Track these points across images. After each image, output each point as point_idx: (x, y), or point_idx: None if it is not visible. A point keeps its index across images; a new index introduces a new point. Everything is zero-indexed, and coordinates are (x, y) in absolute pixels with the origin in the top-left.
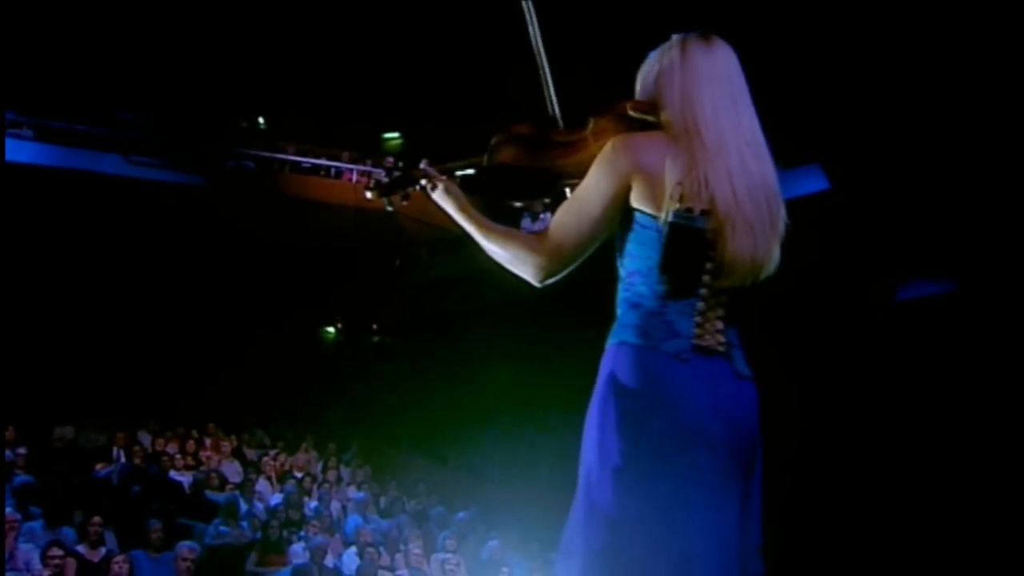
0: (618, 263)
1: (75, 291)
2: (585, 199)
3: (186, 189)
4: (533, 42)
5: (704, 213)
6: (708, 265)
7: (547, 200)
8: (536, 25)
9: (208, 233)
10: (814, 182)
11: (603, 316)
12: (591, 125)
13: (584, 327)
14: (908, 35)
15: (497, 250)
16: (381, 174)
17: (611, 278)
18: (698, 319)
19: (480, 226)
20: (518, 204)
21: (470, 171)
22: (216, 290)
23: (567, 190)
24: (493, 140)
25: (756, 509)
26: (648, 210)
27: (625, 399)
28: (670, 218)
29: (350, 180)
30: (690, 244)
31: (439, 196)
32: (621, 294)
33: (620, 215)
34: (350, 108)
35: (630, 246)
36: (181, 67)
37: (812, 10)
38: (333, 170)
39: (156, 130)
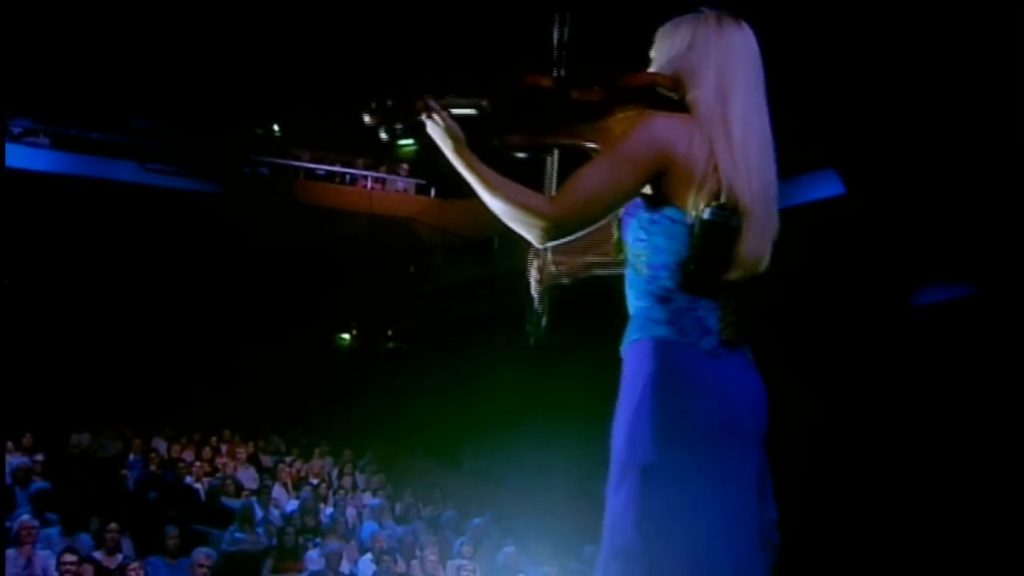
0: (632, 252)
1: (91, 298)
2: (611, 174)
3: (201, 196)
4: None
5: (732, 209)
6: (730, 261)
7: (547, 156)
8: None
9: (223, 240)
10: (830, 187)
11: (616, 323)
12: (615, 93)
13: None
14: (924, 40)
15: (499, 203)
16: (381, 100)
17: (622, 283)
18: (722, 313)
19: (482, 174)
20: (520, 155)
21: (472, 111)
22: (231, 297)
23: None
24: (504, 85)
25: (770, 486)
26: (677, 203)
27: (667, 397)
28: (706, 215)
29: (364, 187)
30: (723, 242)
31: (438, 134)
32: (642, 285)
33: (640, 208)
34: (364, 115)
35: (658, 239)
36: (195, 74)
37: (827, 14)
38: (348, 177)
39: (171, 137)
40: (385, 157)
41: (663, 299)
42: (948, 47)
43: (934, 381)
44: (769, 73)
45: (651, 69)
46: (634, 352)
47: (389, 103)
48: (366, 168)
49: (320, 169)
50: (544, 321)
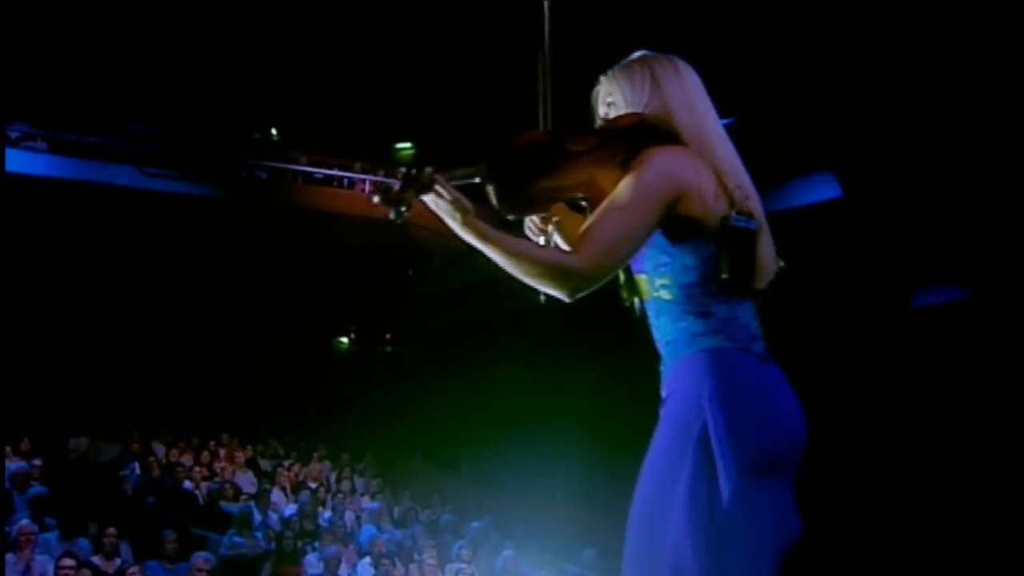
0: (658, 282)
1: (89, 302)
2: (631, 214)
3: (199, 200)
4: (542, 48)
5: (749, 215)
6: (755, 268)
7: (553, 216)
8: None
9: (221, 244)
10: (827, 190)
11: (617, 327)
12: (608, 136)
13: (598, 338)
14: (920, 42)
15: (524, 267)
16: (392, 182)
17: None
18: (759, 319)
19: (498, 242)
20: (512, 218)
21: (474, 180)
22: (229, 301)
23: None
24: (499, 148)
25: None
26: (697, 219)
27: (737, 407)
28: (731, 222)
29: (362, 191)
30: (748, 246)
31: (445, 210)
32: (675, 309)
33: (658, 235)
34: (362, 119)
35: (684, 258)
36: (193, 79)
37: (823, 17)
38: (345, 180)
39: (169, 142)
40: (383, 161)
41: (704, 314)
42: (945, 50)
43: (933, 383)
44: (767, 78)
45: (613, 108)
46: (686, 366)
47: (396, 189)
48: (364, 172)
49: (318, 173)
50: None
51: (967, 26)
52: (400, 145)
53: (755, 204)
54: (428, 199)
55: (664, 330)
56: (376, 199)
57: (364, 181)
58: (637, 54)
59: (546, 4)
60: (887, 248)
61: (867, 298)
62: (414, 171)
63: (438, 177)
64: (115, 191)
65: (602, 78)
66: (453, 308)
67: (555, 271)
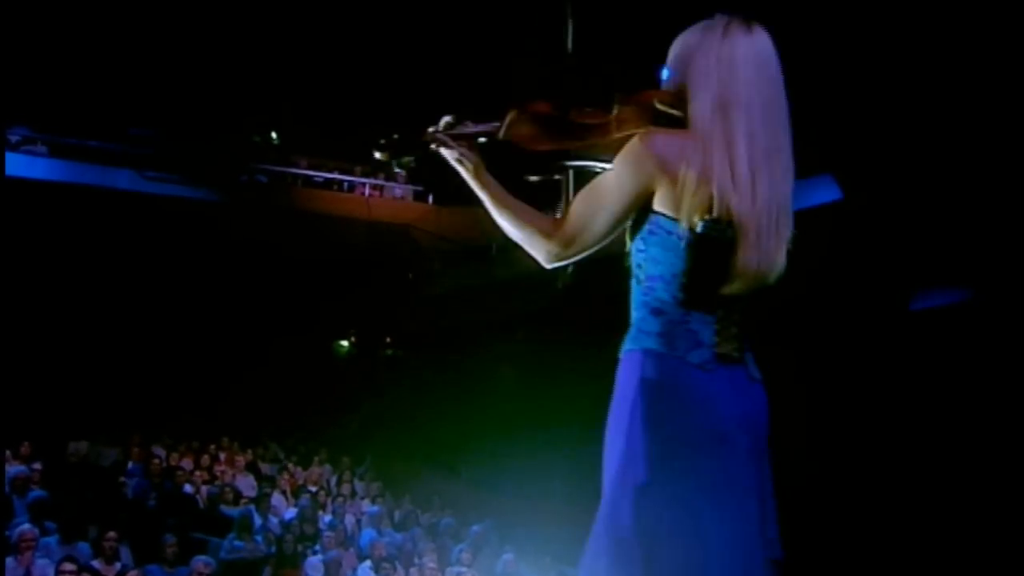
0: (634, 263)
1: (89, 306)
2: (606, 194)
3: (199, 204)
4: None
5: (727, 223)
6: (727, 274)
7: (556, 177)
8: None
9: (221, 247)
10: (826, 192)
11: (615, 330)
12: (615, 112)
13: (597, 340)
14: (920, 44)
15: (510, 226)
16: (392, 135)
17: (622, 291)
18: (718, 327)
19: (496, 198)
20: (532, 179)
21: (482, 140)
22: (229, 304)
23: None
24: (510, 114)
25: (772, 505)
26: (672, 215)
27: (654, 409)
28: (699, 229)
29: (362, 194)
30: (717, 255)
31: (453, 160)
32: (639, 296)
33: (636, 213)
34: (362, 122)
35: (653, 250)
36: (193, 82)
37: (822, 18)
38: (345, 184)
39: (169, 145)
40: (383, 164)
41: (657, 311)
42: (945, 52)
43: (932, 386)
44: None
45: (663, 78)
46: (625, 363)
47: (396, 137)
48: (364, 175)
49: (318, 176)
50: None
51: (966, 29)
52: (407, 158)
53: (748, 208)
54: (441, 151)
55: (630, 313)
56: (378, 154)
57: (364, 184)
58: (709, 19)
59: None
60: (886, 251)
61: (866, 301)
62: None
63: (439, 134)
64: (115, 195)
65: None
66: (453, 311)
67: (533, 239)
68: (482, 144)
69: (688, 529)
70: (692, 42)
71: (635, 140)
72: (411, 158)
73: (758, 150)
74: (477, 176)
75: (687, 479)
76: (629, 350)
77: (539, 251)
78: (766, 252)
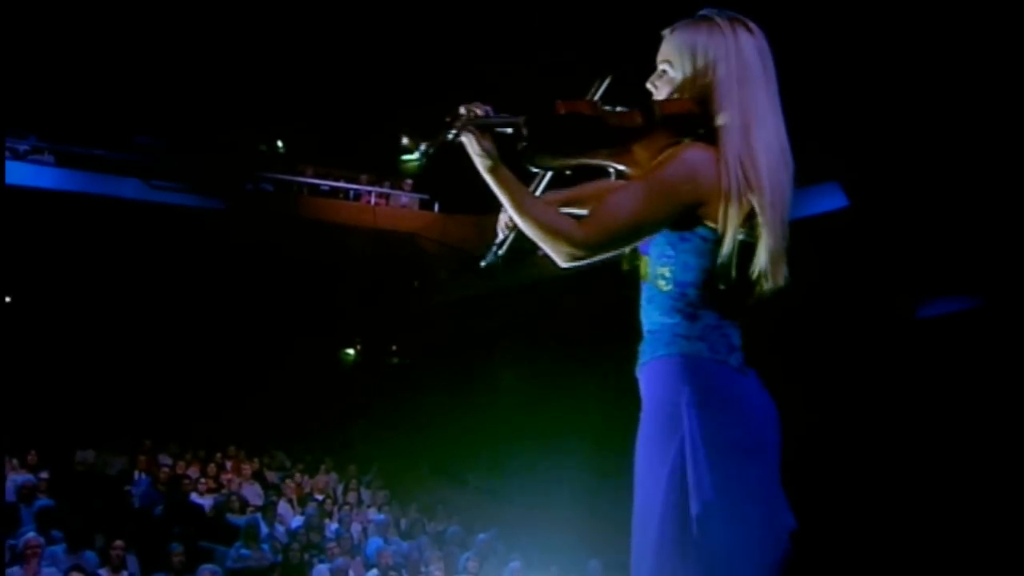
0: (658, 269)
1: (95, 315)
2: (647, 203)
3: (205, 213)
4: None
5: (756, 232)
6: (755, 280)
7: (567, 172)
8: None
9: (227, 256)
10: (833, 200)
11: (622, 339)
12: (653, 120)
13: (604, 349)
14: (927, 52)
15: (529, 224)
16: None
17: (627, 300)
18: (741, 331)
19: (514, 193)
20: (545, 175)
21: (507, 130)
22: (236, 313)
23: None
24: (541, 110)
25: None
26: (710, 223)
27: (711, 417)
28: (740, 236)
29: (368, 202)
30: (747, 262)
31: (474, 150)
32: (666, 302)
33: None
34: (368, 130)
35: (685, 256)
36: (199, 92)
37: (829, 26)
38: (351, 192)
39: (175, 154)
40: (389, 172)
41: (691, 316)
42: (951, 60)
43: (939, 393)
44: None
45: (665, 77)
46: (662, 368)
47: (424, 127)
48: (370, 183)
49: (324, 185)
50: (499, 256)
51: (973, 37)
52: (406, 156)
53: (773, 218)
54: (462, 139)
55: (651, 318)
56: (405, 139)
57: (370, 193)
58: (706, 13)
59: None
60: (893, 258)
61: (873, 308)
62: (453, 116)
63: (471, 126)
64: (121, 204)
65: (666, 32)
66: (459, 320)
67: (556, 236)
68: (507, 136)
69: (743, 541)
70: (706, 49)
71: (681, 153)
72: (435, 144)
73: (774, 160)
74: (497, 170)
75: (739, 489)
76: (665, 355)
77: (559, 250)
78: (781, 259)
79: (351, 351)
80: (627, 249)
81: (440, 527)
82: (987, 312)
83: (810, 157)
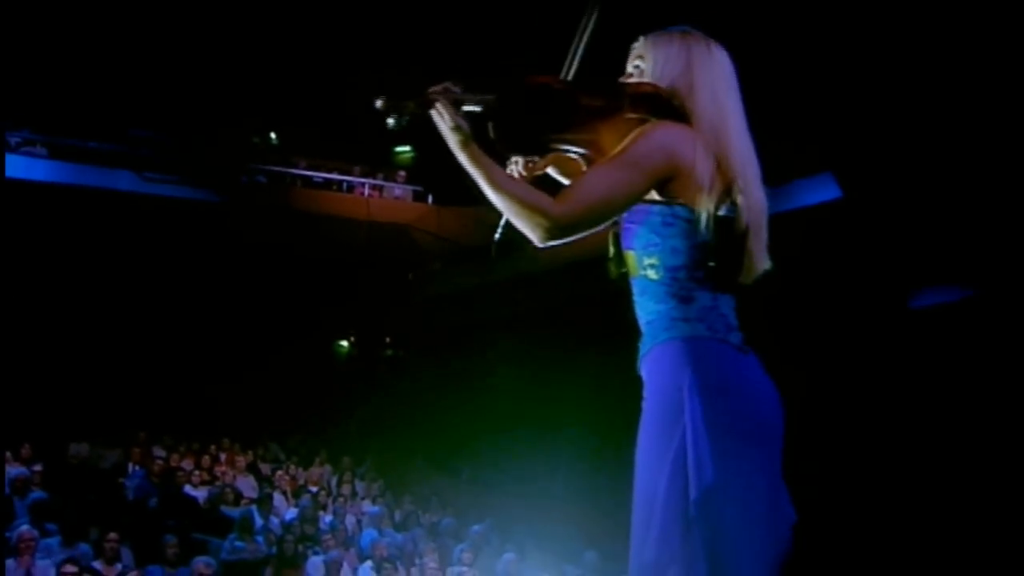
0: (646, 259)
1: (89, 308)
2: (621, 177)
3: (199, 205)
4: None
5: (737, 208)
6: (744, 255)
7: (542, 166)
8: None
9: (221, 248)
10: (827, 191)
11: (616, 329)
12: (622, 99)
13: (598, 340)
14: (920, 42)
15: (503, 199)
16: (393, 88)
17: (622, 291)
18: (737, 310)
19: (488, 170)
20: (515, 156)
21: (477, 108)
22: (229, 305)
23: (569, 151)
24: (513, 83)
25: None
26: (690, 204)
27: (713, 395)
28: (722, 212)
29: (362, 194)
30: (739, 238)
31: (444, 126)
32: (659, 289)
33: (651, 213)
34: (361, 122)
35: (674, 240)
36: (193, 84)
37: (823, 18)
38: (345, 184)
39: (169, 147)
40: (382, 164)
41: (687, 299)
42: (944, 51)
43: (932, 384)
44: (767, 79)
45: (637, 74)
46: (664, 353)
47: (398, 91)
48: (363, 175)
49: (318, 177)
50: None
51: (965, 27)
52: (399, 148)
53: (753, 201)
54: (432, 114)
55: (646, 309)
56: (379, 103)
57: (363, 185)
58: (680, 28)
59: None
60: (886, 249)
61: (866, 299)
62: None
63: (442, 99)
64: (115, 196)
65: (640, 38)
66: (453, 311)
67: (532, 213)
68: (477, 114)
69: (744, 519)
70: (681, 51)
71: (652, 129)
72: (406, 116)
73: (748, 150)
74: (469, 146)
75: (740, 472)
76: (666, 339)
77: (534, 228)
78: (763, 244)
79: (345, 343)
80: (602, 227)
81: (434, 519)
82: (980, 303)
83: (804, 148)
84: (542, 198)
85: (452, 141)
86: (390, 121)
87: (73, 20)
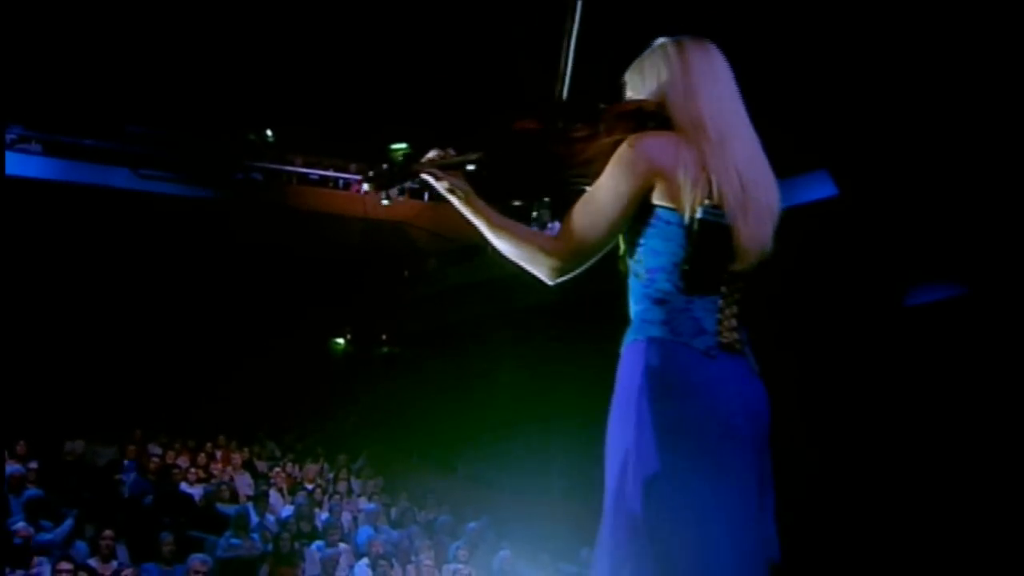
0: (631, 260)
1: (84, 305)
2: (603, 200)
3: (194, 202)
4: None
5: (722, 207)
6: (728, 259)
7: (546, 199)
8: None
9: (217, 245)
10: (822, 188)
11: (612, 325)
12: (602, 124)
13: (594, 336)
14: (915, 40)
15: (508, 248)
16: (380, 167)
17: (619, 287)
18: (719, 316)
19: (490, 222)
20: (517, 203)
21: (471, 167)
22: (225, 302)
23: (570, 187)
24: (495, 135)
25: (771, 502)
26: (672, 205)
27: (659, 394)
28: (699, 215)
29: (358, 191)
30: (717, 240)
31: (443, 189)
32: (639, 290)
33: (635, 214)
34: (357, 119)
35: (652, 242)
36: (189, 80)
37: (818, 15)
38: (341, 181)
39: (164, 143)
40: (378, 161)
41: (660, 301)
42: (939, 49)
43: (927, 381)
44: (762, 77)
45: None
46: (627, 353)
47: (385, 168)
48: (359, 173)
49: (313, 174)
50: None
51: (961, 25)
52: (395, 146)
53: (739, 191)
54: (426, 178)
55: (630, 309)
56: (366, 186)
57: (359, 182)
58: (656, 43)
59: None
60: (882, 246)
61: (862, 296)
62: (403, 160)
63: (428, 171)
64: (110, 193)
65: (625, 77)
66: (449, 309)
67: (534, 255)
68: (471, 171)
69: (691, 519)
70: (651, 67)
71: (624, 146)
72: (399, 188)
73: (734, 136)
74: (469, 203)
75: (692, 467)
76: (632, 341)
77: (541, 268)
78: (762, 226)
79: (341, 340)
80: (608, 249)
81: (430, 516)
82: (975, 300)
83: (799, 146)
84: (541, 237)
85: (453, 201)
86: (384, 202)
87: (68, 16)
